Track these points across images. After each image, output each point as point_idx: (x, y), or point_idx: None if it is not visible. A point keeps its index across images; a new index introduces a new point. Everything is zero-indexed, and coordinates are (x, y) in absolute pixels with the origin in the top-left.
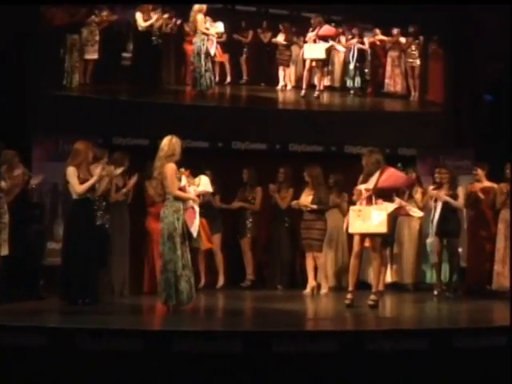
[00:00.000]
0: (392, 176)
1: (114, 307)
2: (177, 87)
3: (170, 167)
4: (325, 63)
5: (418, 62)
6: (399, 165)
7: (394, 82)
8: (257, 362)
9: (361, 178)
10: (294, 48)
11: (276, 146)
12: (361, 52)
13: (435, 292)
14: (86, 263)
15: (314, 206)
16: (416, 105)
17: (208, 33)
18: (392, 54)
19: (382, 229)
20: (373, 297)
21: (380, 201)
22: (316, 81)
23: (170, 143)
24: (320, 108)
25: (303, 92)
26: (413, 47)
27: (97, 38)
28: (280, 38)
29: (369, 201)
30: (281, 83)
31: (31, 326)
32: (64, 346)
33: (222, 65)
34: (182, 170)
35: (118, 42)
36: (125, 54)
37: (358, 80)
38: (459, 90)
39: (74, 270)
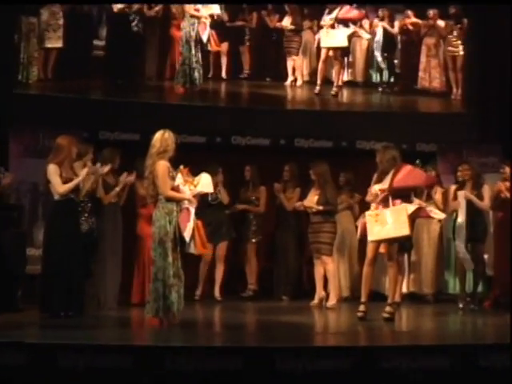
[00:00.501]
0: (409, 174)
1: (101, 320)
2: (162, 83)
3: (162, 165)
4: (345, 53)
5: (460, 50)
6: (418, 162)
7: (429, 75)
8: (259, 380)
9: (375, 177)
10: (306, 34)
11: (280, 142)
12: (389, 39)
13: (460, 305)
14: (70, 271)
15: (320, 208)
16: (458, 104)
17: (198, 15)
18: (428, 42)
19: (404, 231)
20: (388, 309)
21: (398, 201)
22: (334, 75)
23: (162, 138)
24: (339, 108)
25: (317, 88)
26: (454, 33)
27: (60, 21)
28: (286, 22)
29: (385, 202)
30: (290, 78)
31: (8, 342)
32: (45, 364)
33: (217, 55)
34: (181, 167)
35: (87, 26)
36: (97, 42)
37: (385, 73)
38: (484, 78)
39: (55, 278)
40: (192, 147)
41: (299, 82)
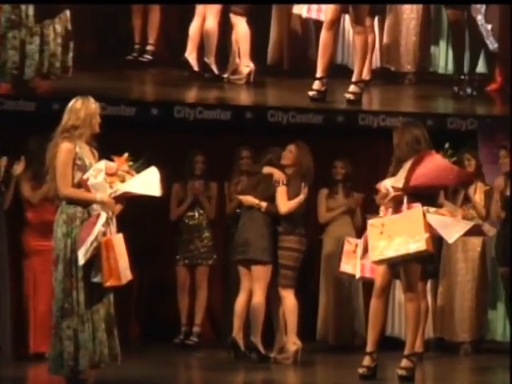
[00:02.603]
0: (435, 168)
1: None
2: None
3: (64, 149)
4: (376, 10)
5: None
6: (447, 146)
7: None
8: None
9: (391, 168)
10: None
11: (246, 115)
12: None
13: None
14: None
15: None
16: None
17: None
18: None
19: (419, 246)
20: (405, 363)
21: (416, 205)
22: (356, 60)
23: (70, 109)
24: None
25: (317, 86)
26: None
27: None
28: None
29: (398, 206)
30: (232, 64)
31: None
32: None
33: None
34: (126, 155)
35: None
36: None
37: (467, 57)
38: None
39: None
40: (112, 122)
41: (241, 74)
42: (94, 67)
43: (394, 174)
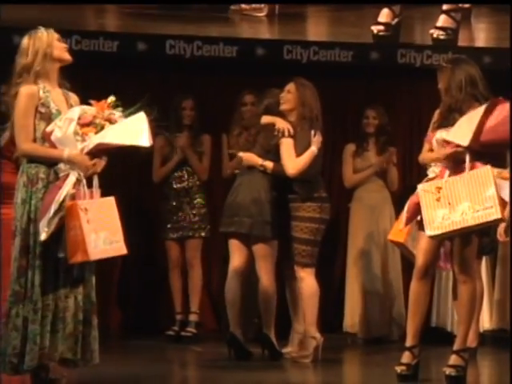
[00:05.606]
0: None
1: None
2: None
3: (25, 94)
4: None
5: None
6: None
7: None
8: None
9: (435, 119)
10: None
11: (256, 52)
12: None
13: None
14: None
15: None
16: None
17: None
18: None
19: (491, 213)
20: (455, 360)
21: (478, 164)
22: None
23: (27, 46)
24: None
25: (385, 22)
26: None
27: None
28: None
29: (455, 165)
30: None
31: None
32: None
33: None
34: (111, 98)
35: None
36: None
37: None
38: None
39: None
40: (91, 59)
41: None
42: None
43: (441, 127)
